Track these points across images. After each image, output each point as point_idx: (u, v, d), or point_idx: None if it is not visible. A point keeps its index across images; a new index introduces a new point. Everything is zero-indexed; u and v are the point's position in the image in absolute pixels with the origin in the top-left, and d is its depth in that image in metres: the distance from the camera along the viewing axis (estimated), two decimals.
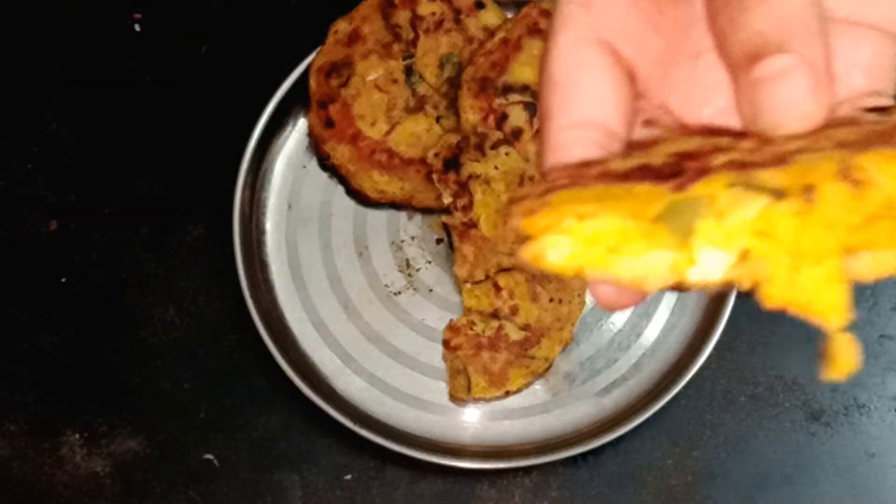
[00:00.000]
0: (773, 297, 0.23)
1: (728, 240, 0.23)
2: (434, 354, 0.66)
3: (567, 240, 0.23)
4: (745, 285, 0.23)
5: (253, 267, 0.67)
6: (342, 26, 0.67)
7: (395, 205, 0.68)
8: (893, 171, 0.23)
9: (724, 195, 0.23)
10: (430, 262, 0.68)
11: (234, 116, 0.68)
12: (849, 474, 0.65)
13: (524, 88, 0.65)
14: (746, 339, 0.67)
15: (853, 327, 0.24)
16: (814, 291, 0.23)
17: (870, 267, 0.24)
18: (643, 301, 0.25)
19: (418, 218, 0.69)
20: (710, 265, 0.22)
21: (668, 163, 0.24)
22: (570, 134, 0.27)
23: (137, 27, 0.72)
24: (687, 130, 0.26)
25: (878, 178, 0.23)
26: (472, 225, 0.65)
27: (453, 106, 0.67)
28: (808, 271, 0.23)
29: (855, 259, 0.24)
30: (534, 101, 0.65)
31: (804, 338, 0.67)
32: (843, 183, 0.23)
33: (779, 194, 0.23)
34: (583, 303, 0.66)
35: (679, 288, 0.23)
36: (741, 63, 0.26)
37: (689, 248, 0.22)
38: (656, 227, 0.22)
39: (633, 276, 0.22)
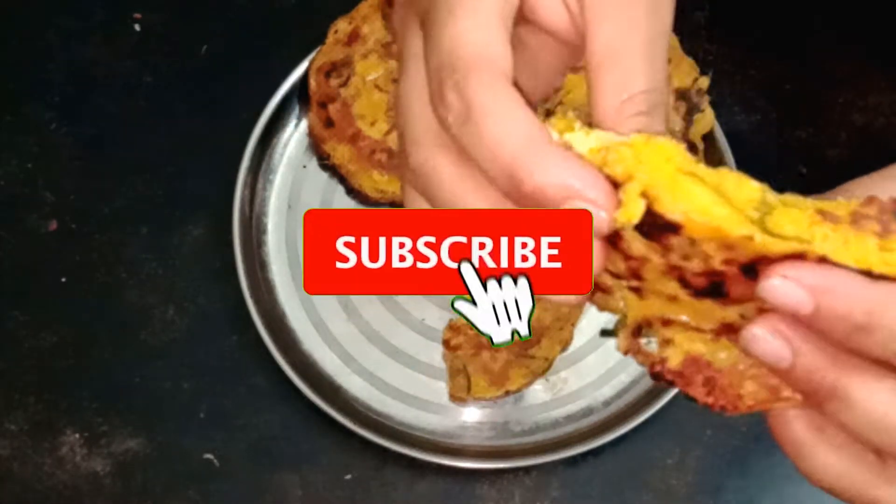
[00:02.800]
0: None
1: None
2: (434, 354, 0.66)
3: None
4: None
5: (253, 267, 0.66)
6: (342, 26, 0.67)
7: (395, 205, 0.68)
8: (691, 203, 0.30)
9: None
10: None
11: (234, 116, 0.68)
12: None
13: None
14: None
15: None
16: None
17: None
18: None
19: None
20: (579, 144, 0.32)
21: None
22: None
23: (137, 27, 0.72)
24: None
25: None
26: None
27: None
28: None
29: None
30: None
31: None
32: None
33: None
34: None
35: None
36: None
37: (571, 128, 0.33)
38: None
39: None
